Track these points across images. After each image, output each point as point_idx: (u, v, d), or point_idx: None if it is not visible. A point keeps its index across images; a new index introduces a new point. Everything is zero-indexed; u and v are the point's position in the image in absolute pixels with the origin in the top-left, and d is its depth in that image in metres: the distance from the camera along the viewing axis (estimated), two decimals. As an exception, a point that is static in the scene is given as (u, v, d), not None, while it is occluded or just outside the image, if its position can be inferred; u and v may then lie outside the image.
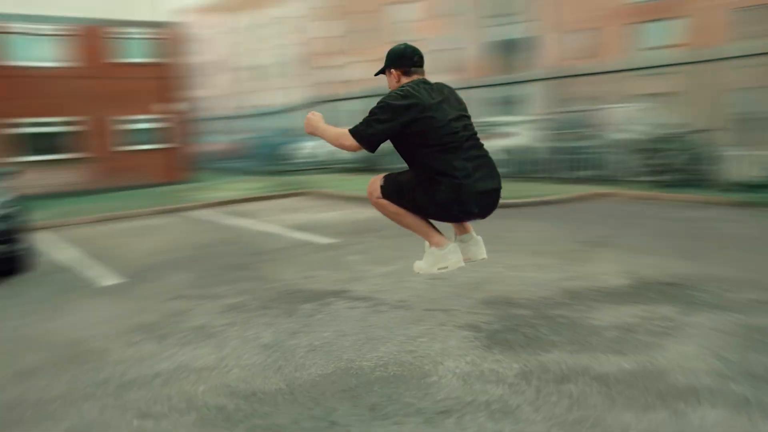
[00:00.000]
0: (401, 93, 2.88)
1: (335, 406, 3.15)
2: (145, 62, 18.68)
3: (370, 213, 10.18)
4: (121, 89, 17.90)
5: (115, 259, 7.40)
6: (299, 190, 14.00)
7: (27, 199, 7.66)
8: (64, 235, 9.47)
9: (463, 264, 3.16)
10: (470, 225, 3.32)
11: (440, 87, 3.02)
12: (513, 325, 4.25)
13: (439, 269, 3.12)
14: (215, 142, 24.63)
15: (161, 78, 18.96)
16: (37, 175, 16.88)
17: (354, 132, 2.88)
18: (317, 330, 4.37)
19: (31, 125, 16.74)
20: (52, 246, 8.48)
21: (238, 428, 2.98)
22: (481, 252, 3.29)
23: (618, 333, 4.01)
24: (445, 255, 3.10)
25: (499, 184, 3.04)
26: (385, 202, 3.08)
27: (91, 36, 17.75)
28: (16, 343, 4.49)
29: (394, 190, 3.05)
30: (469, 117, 3.04)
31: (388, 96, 2.89)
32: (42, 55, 16.94)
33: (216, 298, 5.39)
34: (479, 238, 3.31)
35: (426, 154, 2.90)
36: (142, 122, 18.68)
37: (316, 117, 3.07)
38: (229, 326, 4.56)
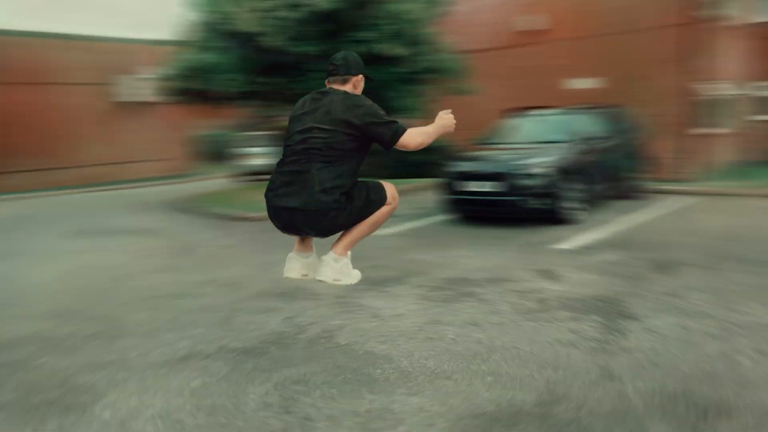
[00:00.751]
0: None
1: (305, 371, 3.60)
2: None
3: None
4: None
5: (635, 238, 7.34)
6: None
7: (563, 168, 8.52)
8: (671, 204, 9.78)
9: (292, 275, 3.00)
10: (337, 243, 2.92)
11: (323, 98, 2.79)
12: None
13: None
14: None
15: None
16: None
17: None
18: (476, 332, 4.20)
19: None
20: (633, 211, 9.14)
21: (256, 350, 3.97)
22: (319, 273, 2.93)
23: None
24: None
25: (305, 204, 2.68)
26: None
27: None
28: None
29: None
30: (329, 130, 2.68)
31: None
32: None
33: (519, 281, 5.53)
34: (325, 256, 2.93)
35: None
36: None
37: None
38: (460, 301, 4.93)
